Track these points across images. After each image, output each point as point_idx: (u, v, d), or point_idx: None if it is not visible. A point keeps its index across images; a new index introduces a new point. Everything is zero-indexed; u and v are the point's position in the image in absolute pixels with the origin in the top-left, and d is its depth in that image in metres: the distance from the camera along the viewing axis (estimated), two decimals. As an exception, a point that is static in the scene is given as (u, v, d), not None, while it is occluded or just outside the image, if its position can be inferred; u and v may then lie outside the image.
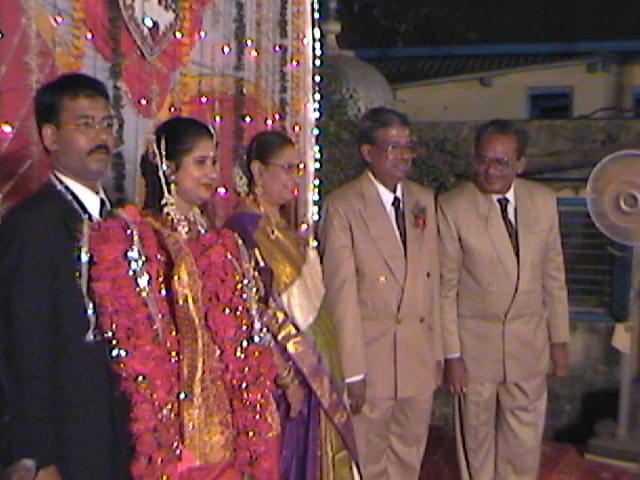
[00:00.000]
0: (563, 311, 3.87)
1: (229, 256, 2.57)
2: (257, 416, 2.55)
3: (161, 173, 2.51)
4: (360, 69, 8.37)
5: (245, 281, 2.59)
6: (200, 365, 2.45)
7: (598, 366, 6.94)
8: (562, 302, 3.86)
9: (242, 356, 2.53)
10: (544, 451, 4.18)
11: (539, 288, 3.79)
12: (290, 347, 2.99)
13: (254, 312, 2.61)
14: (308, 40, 4.48)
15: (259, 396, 2.56)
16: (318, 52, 4.54)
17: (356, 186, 3.57)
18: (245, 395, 2.52)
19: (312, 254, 3.24)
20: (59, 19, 2.86)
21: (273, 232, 3.09)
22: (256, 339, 2.58)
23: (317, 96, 4.53)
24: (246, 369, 2.53)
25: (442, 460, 4.90)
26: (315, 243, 3.48)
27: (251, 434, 2.51)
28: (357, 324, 3.40)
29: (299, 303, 3.05)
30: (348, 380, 3.29)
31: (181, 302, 2.43)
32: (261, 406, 2.56)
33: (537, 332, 3.78)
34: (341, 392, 3.17)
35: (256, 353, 2.57)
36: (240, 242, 2.67)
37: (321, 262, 3.32)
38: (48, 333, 2.18)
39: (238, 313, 2.53)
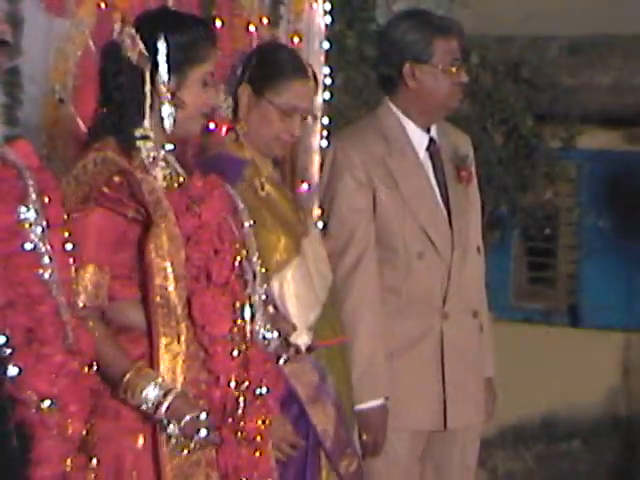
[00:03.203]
0: None
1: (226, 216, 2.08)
2: (255, 453, 2.04)
3: (147, 88, 1.96)
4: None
5: (247, 252, 2.08)
6: (181, 374, 1.92)
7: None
8: None
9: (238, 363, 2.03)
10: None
11: None
12: (281, 361, 2.28)
13: (258, 299, 2.08)
14: None
15: (259, 424, 2.04)
16: None
17: (374, 123, 2.81)
18: (240, 423, 2.01)
19: (315, 229, 2.55)
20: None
21: (263, 187, 2.42)
22: (259, 339, 2.08)
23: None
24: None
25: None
26: (320, 211, 2.73)
27: (244, 480, 2.03)
28: (378, 323, 2.65)
29: (296, 293, 2.40)
30: (362, 406, 2.57)
31: (158, 280, 1.92)
32: (261, 438, 2.05)
33: None
34: (351, 427, 2.48)
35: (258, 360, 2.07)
36: (235, 195, 2.16)
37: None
38: None
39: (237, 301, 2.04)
